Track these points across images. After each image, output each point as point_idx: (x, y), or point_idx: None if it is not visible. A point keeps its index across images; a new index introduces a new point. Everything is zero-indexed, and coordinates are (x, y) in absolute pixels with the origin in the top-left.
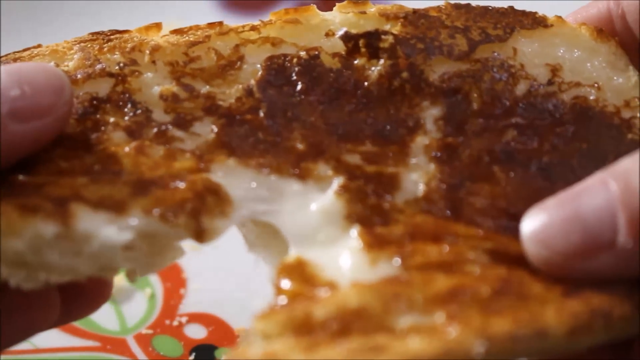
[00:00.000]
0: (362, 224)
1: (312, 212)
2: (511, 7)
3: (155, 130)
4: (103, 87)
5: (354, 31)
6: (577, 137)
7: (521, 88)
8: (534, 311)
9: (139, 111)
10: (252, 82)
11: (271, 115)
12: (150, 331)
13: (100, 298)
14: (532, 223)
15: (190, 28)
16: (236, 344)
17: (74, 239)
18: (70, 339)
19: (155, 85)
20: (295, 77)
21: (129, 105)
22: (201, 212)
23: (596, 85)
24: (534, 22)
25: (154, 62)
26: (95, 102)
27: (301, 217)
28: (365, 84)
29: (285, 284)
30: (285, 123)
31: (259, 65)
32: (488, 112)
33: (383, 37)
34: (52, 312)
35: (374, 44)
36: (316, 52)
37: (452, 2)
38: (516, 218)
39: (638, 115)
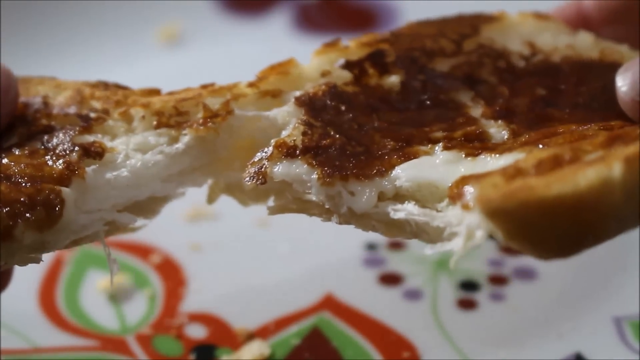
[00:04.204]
0: (485, 150)
1: (440, 164)
2: (460, 14)
3: (65, 147)
4: (71, 124)
5: (354, 58)
6: (590, 79)
7: (518, 61)
8: None
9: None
10: (303, 116)
11: (342, 132)
12: (150, 331)
13: None
14: (623, 73)
15: (184, 90)
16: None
17: None
18: (70, 338)
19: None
20: (333, 103)
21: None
22: (21, 218)
23: (569, 46)
24: (487, 18)
25: (143, 117)
26: (48, 128)
27: (438, 171)
28: (392, 95)
29: (468, 188)
30: (360, 134)
31: (286, 111)
32: (508, 82)
33: (387, 53)
34: None
35: (380, 61)
36: (332, 84)
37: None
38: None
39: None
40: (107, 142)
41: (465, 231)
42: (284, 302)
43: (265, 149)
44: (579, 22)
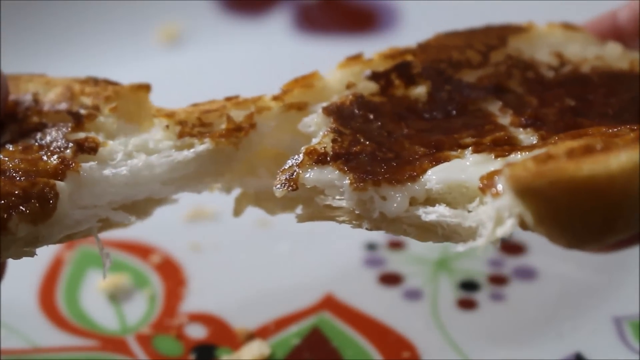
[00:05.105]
0: (514, 151)
1: (470, 166)
2: (487, 25)
3: (59, 144)
4: (62, 121)
5: (380, 69)
6: (620, 90)
7: (546, 72)
8: None
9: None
10: (332, 124)
11: (372, 139)
12: (150, 331)
13: None
14: None
15: (208, 102)
16: (237, 345)
17: None
18: (70, 338)
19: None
20: (360, 111)
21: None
22: (15, 210)
23: (598, 57)
24: (515, 29)
25: (167, 126)
26: (40, 125)
27: (468, 172)
28: (419, 105)
29: (498, 178)
30: (390, 141)
31: (315, 119)
32: (536, 92)
33: (413, 64)
34: None
35: (406, 72)
36: (359, 94)
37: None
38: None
39: None
40: (108, 141)
41: (495, 214)
42: (284, 302)
43: (296, 156)
44: (613, 34)
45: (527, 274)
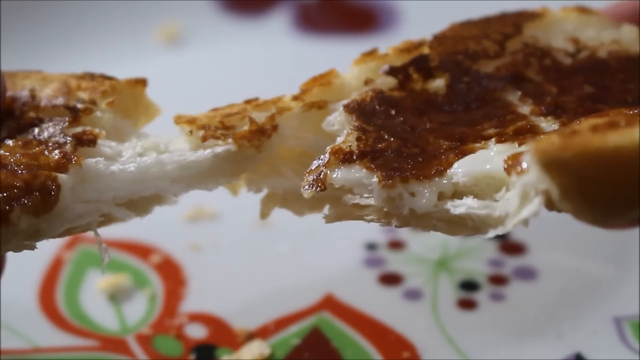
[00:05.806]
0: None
1: (494, 156)
2: (502, 12)
3: (57, 139)
4: (59, 116)
5: (397, 64)
6: (638, 76)
7: (564, 59)
8: None
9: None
10: (355, 122)
11: (396, 135)
12: (150, 331)
13: None
14: None
15: (228, 105)
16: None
17: None
18: (70, 338)
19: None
20: (382, 107)
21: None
22: (17, 202)
23: (614, 41)
24: (530, 16)
25: (190, 132)
26: (36, 121)
27: (493, 162)
28: (439, 98)
29: (523, 157)
30: (414, 136)
31: (338, 118)
32: (555, 80)
33: (430, 57)
34: None
35: (424, 66)
36: (379, 90)
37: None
38: None
39: None
40: (103, 131)
41: (521, 192)
42: (284, 302)
43: (321, 156)
44: (634, 19)
45: (527, 274)
